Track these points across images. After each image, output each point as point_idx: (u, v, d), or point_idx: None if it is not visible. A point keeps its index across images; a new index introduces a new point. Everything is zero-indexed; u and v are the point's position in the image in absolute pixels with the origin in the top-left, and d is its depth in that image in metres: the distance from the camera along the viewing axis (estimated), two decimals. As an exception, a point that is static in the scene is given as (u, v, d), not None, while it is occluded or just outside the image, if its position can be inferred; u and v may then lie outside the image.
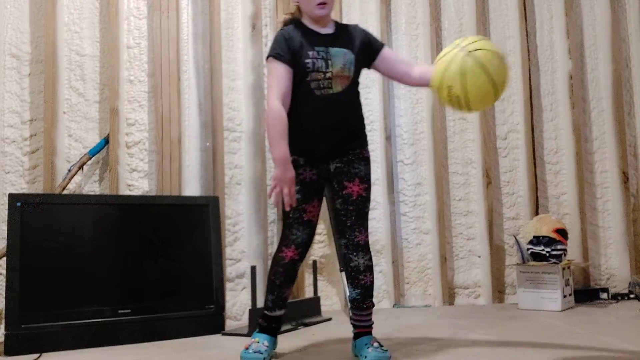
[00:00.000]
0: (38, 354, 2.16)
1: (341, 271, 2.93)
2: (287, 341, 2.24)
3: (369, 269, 1.93)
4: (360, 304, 1.93)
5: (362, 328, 1.96)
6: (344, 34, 1.97)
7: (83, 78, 2.89)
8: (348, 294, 2.01)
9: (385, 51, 2.00)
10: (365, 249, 1.92)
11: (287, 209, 1.84)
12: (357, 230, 1.91)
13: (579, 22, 3.52)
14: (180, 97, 2.93)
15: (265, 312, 2.03)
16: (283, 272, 1.97)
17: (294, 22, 1.98)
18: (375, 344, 1.88)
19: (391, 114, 3.31)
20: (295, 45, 1.88)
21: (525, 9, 3.45)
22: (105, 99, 2.89)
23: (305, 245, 1.98)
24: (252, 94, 3.10)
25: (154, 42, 2.92)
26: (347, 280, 1.97)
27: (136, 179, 2.87)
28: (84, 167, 2.80)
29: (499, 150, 3.39)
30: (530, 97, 3.41)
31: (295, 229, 1.95)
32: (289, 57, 1.87)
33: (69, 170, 2.75)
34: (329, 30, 1.96)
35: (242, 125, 3.07)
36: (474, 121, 3.34)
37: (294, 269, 1.98)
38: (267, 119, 1.86)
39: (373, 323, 1.97)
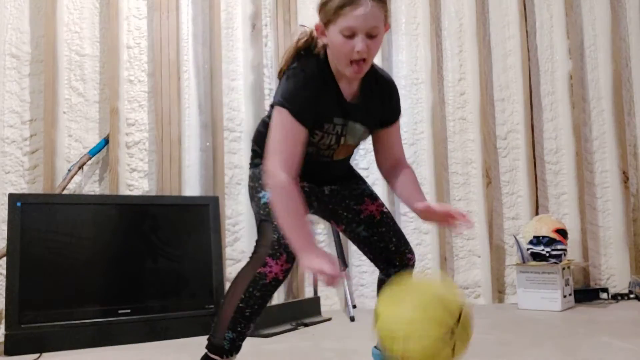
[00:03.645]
0: (38, 354, 2.16)
1: (341, 271, 2.93)
2: (287, 341, 2.24)
3: None
4: None
5: None
6: (371, 101, 1.52)
7: (83, 78, 2.89)
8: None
9: (394, 127, 1.59)
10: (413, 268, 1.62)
11: (332, 287, 1.36)
12: (407, 251, 1.58)
13: (579, 22, 3.52)
14: (180, 97, 2.93)
15: (214, 357, 1.42)
16: (260, 297, 1.37)
17: (315, 59, 1.44)
18: None
19: (391, 114, 3.30)
20: (319, 110, 1.43)
21: (525, 9, 3.44)
22: (105, 99, 2.89)
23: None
24: (252, 93, 3.09)
25: (154, 42, 2.93)
26: None
27: (136, 179, 2.87)
28: (84, 167, 2.80)
29: (499, 150, 3.39)
30: (530, 97, 3.41)
31: None
32: (310, 124, 1.41)
33: (69, 170, 2.75)
34: (355, 95, 1.49)
35: (242, 125, 3.07)
36: (474, 121, 3.34)
37: (272, 293, 1.40)
38: (271, 193, 1.37)
39: None
